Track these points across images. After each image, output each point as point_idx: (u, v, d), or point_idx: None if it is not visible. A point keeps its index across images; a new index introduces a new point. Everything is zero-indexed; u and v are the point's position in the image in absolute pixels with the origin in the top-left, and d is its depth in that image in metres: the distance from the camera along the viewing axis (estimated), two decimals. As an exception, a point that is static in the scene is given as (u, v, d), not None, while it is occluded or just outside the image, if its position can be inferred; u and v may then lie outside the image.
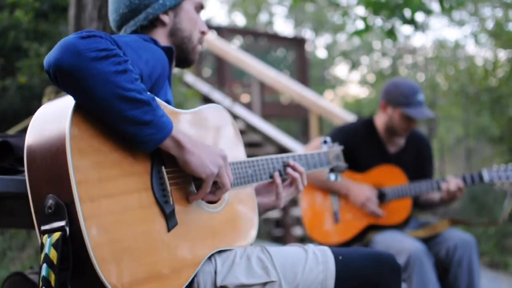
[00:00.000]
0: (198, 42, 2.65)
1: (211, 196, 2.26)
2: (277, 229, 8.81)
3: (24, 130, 7.06)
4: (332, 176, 3.10)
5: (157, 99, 2.13)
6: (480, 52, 17.54)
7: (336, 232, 4.35)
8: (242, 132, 10.52)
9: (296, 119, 14.88)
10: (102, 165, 1.90)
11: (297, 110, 12.97)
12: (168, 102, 2.40)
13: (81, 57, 1.82)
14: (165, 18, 2.55)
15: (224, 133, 2.52)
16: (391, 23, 6.19)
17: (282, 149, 9.57)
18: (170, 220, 2.06)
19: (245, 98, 13.68)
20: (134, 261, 1.90)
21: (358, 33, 6.40)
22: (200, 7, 2.65)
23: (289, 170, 2.67)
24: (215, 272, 2.25)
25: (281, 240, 8.34)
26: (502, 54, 14.24)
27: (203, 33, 2.67)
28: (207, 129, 2.41)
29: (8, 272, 6.19)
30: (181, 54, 2.61)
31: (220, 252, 2.31)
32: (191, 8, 2.61)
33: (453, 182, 4.24)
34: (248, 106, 11.60)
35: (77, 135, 1.85)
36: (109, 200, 1.88)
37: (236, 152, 2.56)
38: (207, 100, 9.81)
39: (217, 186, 2.24)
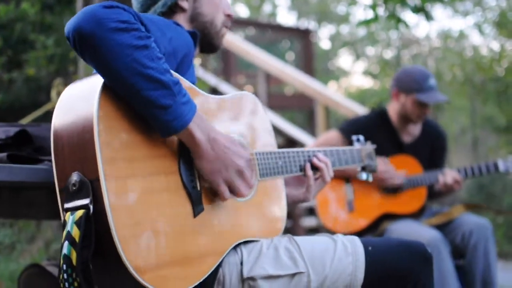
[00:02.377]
0: (223, 26, 2.56)
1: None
2: (286, 220, 8.76)
3: (33, 121, 7.05)
4: (364, 175, 3.03)
5: (190, 84, 2.09)
6: (485, 42, 17.51)
7: (350, 221, 4.34)
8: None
9: (301, 110, 14.84)
10: (129, 145, 1.86)
11: (302, 101, 12.91)
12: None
13: (100, 25, 1.77)
14: (184, 3, 2.48)
15: (256, 122, 2.47)
16: (400, 12, 6.16)
17: (290, 140, 9.53)
18: (196, 205, 2.02)
19: (249, 89, 13.65)
20: (157, 244, 1.86)
21: (366, 22, 6.36)
22: None
23: (315, 160, 2.58)
24: (241, 263, 2.20)
25: (290, 231, 8.30)
26: (508, 44, 14.21)
27: (228, 16, 2.57)
28: (238, 117, 2.37)
29: (18, 264, 6.19)
30: (205, 39, 2.53)
31: (245, 242, 2.26)
32: None
33: (449, 176, 4.25)
34: (253, 97, 11.53)
35: (105, 113, 1.82)
36: (135, 180, 1.84)
37: (268, 142, 2.51)
38: (215, 91, 9.77)
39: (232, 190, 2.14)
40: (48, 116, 7.16)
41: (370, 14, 6.15)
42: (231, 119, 2.32)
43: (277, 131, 9.90)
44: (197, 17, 2.50)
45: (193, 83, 2.28)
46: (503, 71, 13.05)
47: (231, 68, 12.45)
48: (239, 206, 2.26)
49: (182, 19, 2.49)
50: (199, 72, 9.58)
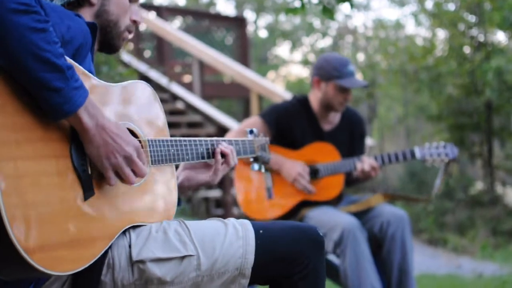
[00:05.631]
0: (126, 30, 2.55)
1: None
2: (218, 209, 8.81)
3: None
4: (256, 166, 3.07)
5: (84, 71, 2.11)
6: (420, 32, 17.74)
7: (269, 208, 4.36)
8: (182, 112, 10.47)
9: (238, 99, 14.88)
10: (23, 127, 1.88)
11: (238, 90, 12.94)
12: None
13: (0, 5, 1.79)
14: None
15: (149, 111, 2.47)
16: (328, 2, 6.18)
17: (222, 129, 9.52)
18: (86, 189, 2.03)
19: (187, 78, 13.60)
20: (46, 225, 1.88)
21: (292, 11, 6.36)
22: None
23: (221, 147, 2.66)
24: (130, 246, 2.21)
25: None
26: (441, 34, 14.41)
27: (134, 22, 2.57)
28: (131, 106, 2.36)
29: None
30: (105, 38, 2.52)
31: (134, 226, 2.27)
32: None
33: (366, 163, 4.31)
34: (190, 86, 11.53)
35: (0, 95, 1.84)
36: (26, 162, 1.86)
37: (160, 130, 2.51)
38: (144, 79, 9.71)
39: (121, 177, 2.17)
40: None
41: (297, 3, 6.16)
42: (124, 107, 2.32)
43: (209, 120, 9.92)
44: (103, 14, 2.48)
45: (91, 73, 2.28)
46: (436, 60, 13.23)
47: (166, 57, 12.40)
48: (130, 192, 2.27)
49: (87, 13, 2.46)
50: (128, 59, 9.52)
